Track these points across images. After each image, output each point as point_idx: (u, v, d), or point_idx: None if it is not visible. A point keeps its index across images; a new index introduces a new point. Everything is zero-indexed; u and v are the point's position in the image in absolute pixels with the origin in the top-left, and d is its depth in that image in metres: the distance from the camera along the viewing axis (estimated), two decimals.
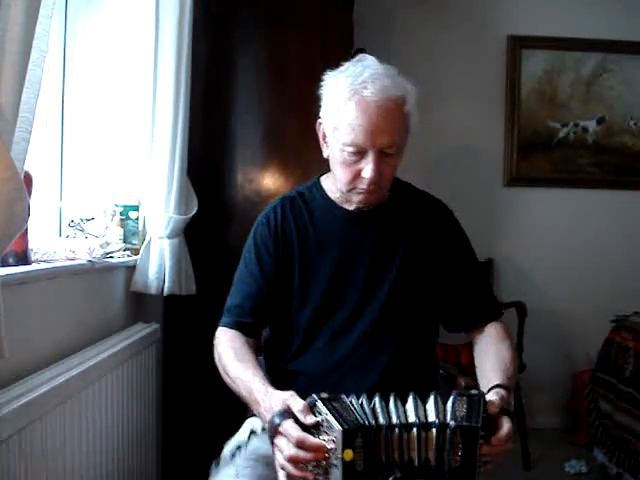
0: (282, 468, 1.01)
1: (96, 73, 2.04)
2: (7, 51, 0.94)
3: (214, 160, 2.40)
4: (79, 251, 1.62)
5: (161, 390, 2.25)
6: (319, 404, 0.98)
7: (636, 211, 3.39)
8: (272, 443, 1.03)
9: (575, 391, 3.20)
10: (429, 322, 1.40)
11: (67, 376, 1.34)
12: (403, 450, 1.00)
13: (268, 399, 1.09)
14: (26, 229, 1.34)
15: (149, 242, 2.01)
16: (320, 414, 0.98)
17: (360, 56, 1.29)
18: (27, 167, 1.15)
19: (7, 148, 0.96)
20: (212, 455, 1.33)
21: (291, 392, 1.06)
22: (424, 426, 1.00)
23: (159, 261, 2.00)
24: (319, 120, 1.33)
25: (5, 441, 1.07)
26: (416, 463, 1.00)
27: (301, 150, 2.30)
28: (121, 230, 1.96)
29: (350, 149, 1.23)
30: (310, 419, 0.99)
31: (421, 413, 1.02)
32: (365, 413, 1.00)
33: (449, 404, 1.02)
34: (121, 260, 1.89)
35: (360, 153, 1.23)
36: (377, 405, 1.03)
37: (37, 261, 1.49)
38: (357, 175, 1.25)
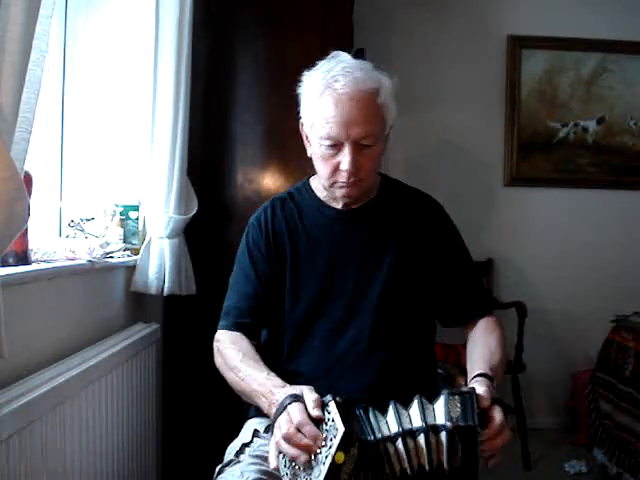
0: (276, 446, 1.01)
1: (96, 73, 2.03)
2: (7, 51, 0.94)
3: (214, 160, 2.40)
4: (79, 251, 1.62)
5: (161, 390, 2.25)
6: (331, 404, 0.98)
7: (636, 211, 3.39)
8: (275, 420, 1.03)
9: (575, 391, 3.20)
10: (424, 319, 1.40)
11: (67, 376, 1.34)
12: (392, 462, 0.98)
13: (285, 390, 1.09)
14: (26, 229, 1.34)
15: (149, 242, 2.01)
16: (329, 413, 0.97)
17: (334, 53, 1.30)
18: (27, 167, 1.14)
19: (7, 148, 0.96)
20: (212, 455, 1.33)
21: (310, 387, 1.06)
22: (408, 434, 0.99)
23: (159, 261, 2.00)
24: (300, 119, 1.34)
25: (5, 441, 1.07)
26: (409, 472, 0.98)
27: (301, 150, 2.27)
28: (121, 230, 1.96)
29: (327, 142, 1.25)
30: (317, 412, 0.99)
31: (405, 421, 1.00)
32: (372, 429, 0.99)
33: (440, 405, 1.01)
34: (121, 260, 1.89)
35: (337, 146, 1.25)
36: (371, 415, 1.02)
37: (37, 261, 1.49)
38: (336, 168, 1.27)
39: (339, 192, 1.31)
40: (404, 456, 0.98)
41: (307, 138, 1.35)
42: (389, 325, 1.33)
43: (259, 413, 1.31)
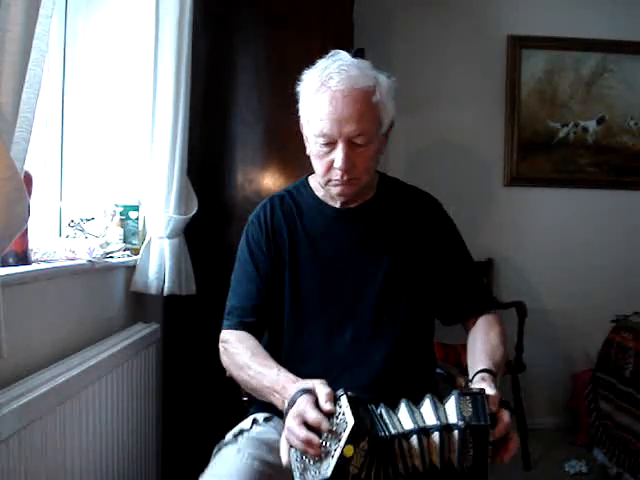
0: (286, 440, 1.01)
1: (96, 73, 2.04)
2: (7, 51, 0.94)
3: (214, 160, 2.40)
4: (79, 251, 1.62)
5: (161, 390, 2.25)
6: (343, 398, 0.97)
7: (636, 211, 3.39)
8: (286, 414, 1.03)
9: (575, 391, 3.20)
10: (423, 317, 1.40)
11: (67, 376, 1.34)
12: (405, 458, 0.99)
13: (297, 385, 1.08)
14: (26, 229, 1.34)
15: (149, 242, 2.01)
16: (340, 407, 0.97)
17: (333, 52, 1.30)
18: (27, 167, 1.14)
19: (7, 148, 0.96)
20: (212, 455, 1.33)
21: (322, 380, 1.05)
22: (423, 431, 0.99)
23: (159, 261, 2.00)
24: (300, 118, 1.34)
25: (5, 441, 1.07)
26: (420, 469, 0.98)
27: (301, 150, 2.28)
28: (121, 230, 1.96)
29: (321, 140, 1.26)
30: (328, 405, 0.98)
31: (418, 418, 1.01)
32: (385, 425, 0.99)
33: (452, 404, 1.01)
34: (121, 260, 1.89)
35: (331, 144, 1.25)
36: (384, 411, 1.02)
37: (37, 261, 1.49)
38: (330, 166, 1.27)
39: (334, 190, 1.31)
40: (417, 452, 0.98)
41: (306, 136, 1.35)
42: (387, 324, 1.32)
43: (260, 412, 1.32)
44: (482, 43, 3.32)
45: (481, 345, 1.27)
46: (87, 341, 1.63)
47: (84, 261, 1.61)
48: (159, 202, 1.99)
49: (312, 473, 0.95)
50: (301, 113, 1.32)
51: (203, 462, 1.29)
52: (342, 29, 2.37)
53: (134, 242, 2.02)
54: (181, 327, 2.34)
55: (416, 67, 3.23)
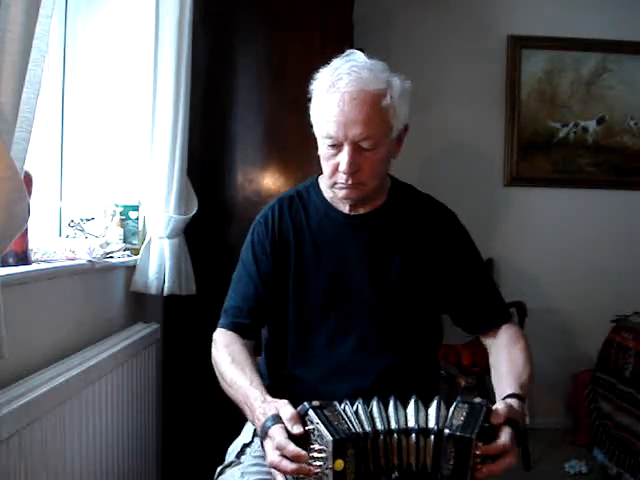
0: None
1: (96, 73, 2.03)
2: (7, 51, 0.94)
3: (214, 160, 2.40)
4: (79, 251, 1.62)
5: (161, 390, 2.25)
6: (311, 412, 0.97)
7: (636, 211, 3.39)
8: (262, 446, 1.03)
9: (575, 391, 3.20)
10: (430, 326, 1.38)
11: (67, 376, 1.34)
12: (402, 454, 0.99)
13: (264, 406, 1.07)
14: (26, 229, 1.34)
15: (149, 242, 2.01)
16: (312, 423, 0.96)
17: (349, 51, 1.27)
18: (27, 167, 1.14)
19: (7, 148, 0.96)
20: (212, 455, 1.33)
21: (285, 401, 1.04)
22: (423, 432, 0.99)
23: (159, 261, 2.00)
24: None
25: (5, 441, 1.07)
26: (414, 468, 0.99)
27: (301, 150, 2.30)
28: (121, 230, 1.96)
29: (328, 141, 1.23)
30: (297, 429, 0.97)
31: (422, 418, 1.01)
32: (360, 420, 0.99)
33: (450, 410, 1.01)
34: (121, 260, 1.89)
35: (337, 146, 1.22)
36: (375, 409, 1.02)
37: (37, 261, 1.49)
38: (336, 169, 1.24)
39: (339, 193, 1.28)
40: (413, 450, 0.98)
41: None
42: (392, 333, 1.31)
43: None
44: (482, 43, 3.33)
45: (507, 366, 1.23)
46: (87, 341, 1.63)
47: (84, 261, 1.61)
48: (159, 202, 1.99)
49: None
50: (311, 112, 1.28)
51: (203, 462, 1.28)
52: (342, 29, 2.37)
53: (134, 242, 2.02)
54: (181, 327, 2.34)
55: (416, 67, 3.23)
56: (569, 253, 3.35)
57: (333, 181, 1.27)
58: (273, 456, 0.97)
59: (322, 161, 1.28)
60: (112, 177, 2.06)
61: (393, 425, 1.00)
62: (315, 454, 0.94)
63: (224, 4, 2.39)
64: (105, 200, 1.98)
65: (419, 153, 3.22)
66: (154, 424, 2.03)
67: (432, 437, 0.98)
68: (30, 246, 1.44)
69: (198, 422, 2.32)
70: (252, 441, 1.27)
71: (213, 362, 1.29)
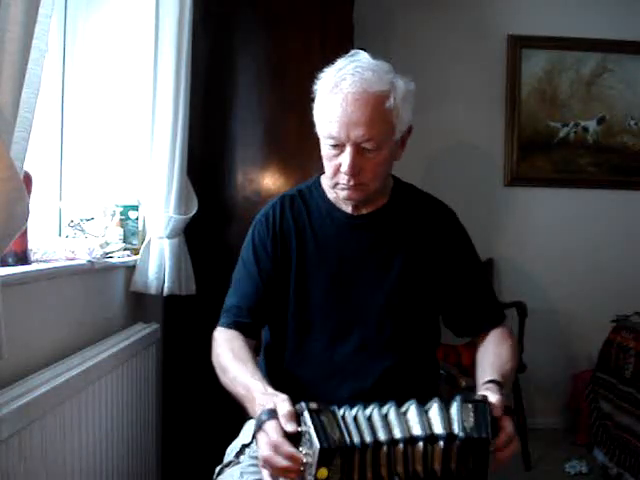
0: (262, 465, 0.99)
1: (96, 73, 2.03)
2: (7, 51, 0.94)
3: (214, 160, 2.40)
4: (79, 251, 1.62)
5: (161, 390, 2.25)
6: (305, 414, 0.94)
7: (636, 211, 3.39)
8: (254, 438, 1.01)
9: (575, 391, 3.20)
10: (430, 326, 1.39)
11: (67, 376, 1.34)
12: (407, 462, 0.96)
13: (263, 397, 1.06)
14: (26, 229, 1.34)
15: (149, 242, 2.01)
16: (305, 425, 0.94)
17: (354, 52, 1.27)
18: (27, 167, 1.14)
19: (7, 148, 0.96)
20: (212, 455, 1.33)
21: (285, 396, 1.03)
22: (430, 438, 0.97)
23: (159, 261, 2.00)
24: None
25: (5, 441, 1.07)
26: (422, 475, 0.97)
27: (301, 150, 2.30)
28: (121, 230, 1.96)
29: (329, 142, 1.23)
30: (291, 427, 0.95)
31: (425, 423, 0.98)
32: (358, 428, 0.96)
33: (454, 411, 0.99)
34: (121, 260, 1.89)
35: (339, 147, 1.22)
36: (375, 417, 0.99)
37: (37, 261, 1.49)
38: (338, 169, 1.24)
39: (341, 193, 1.28)
40: (420, 458, 0.96)
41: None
42: (393, 333, 1.31)
43: None
44: (482, 43, 3.33)
45: (491, 358, 1.25)
46: (87, 341, 1.62)
47: (84, 261, 1.61)
48: (159, 202, 1.99)
49: None
50: (314, 112, 1.28)
51: (203, 462, 1.28)
52: (342, 29, 2.37)
53: (134, 242, 2.02)
54: (181, 327, 2.34)
55: (416, 67, 3.20)
56: (569, 253, 3.35)
57: (335, 182, 1.27)
58: (266, 451, 0.96)
59: (324, 161, 1.28)
60: (112, 177, 2.06)
61: (398, 435, 0.96)
62: (302, 457, 0.93)
63: (224, 4, 2.39)
64: (105, 200, 1.98)
65: (419, 153, 3.22)
66: (154, 424, 2.03)
67: (441, 442, 0.96)
68: (30, 246, 1.44)
69: (198, 422, 2.32)
70: (251, 441, 1.27)
71: (214, 358, 1.28)
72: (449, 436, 0.96)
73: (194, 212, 2.11)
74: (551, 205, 3.38)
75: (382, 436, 0.96)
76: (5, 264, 1.33)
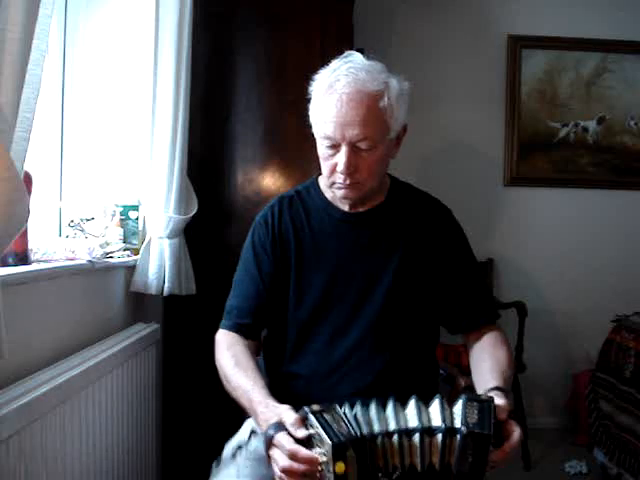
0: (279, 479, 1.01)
1: (96, 73, 2.04)
2: (7, 51, 0.94)
3: (214, 160, 2.40)
4: (79, 251, 1.62)
5: (161, 390, 2.25)
6: (310, 417, 0.98)
7: (636, 211, 3.39)
8: (267, 455, 1.03)
9: (575, 391, 3.20)
10: (428, 324, 1.39)
11: (67, 376, 1.34)
12: (404, 456, 0.99)
13: (266, 412, 1.09)
14: (26, 229, 1.34)
15: (149, 242, 2.01)
16: (312, 427, 0.97)
17: (347, 53, 1.28)
18: (27, 167, 1.14)
19: (7, 148, 0.96)
20: (212, 455, 1.33)
21: (287, 406, 1.05)
22: (427, 431, 0.99)
23: (159, 261, 2.00)
24: None
25: (5, 441, 1.07)
26: (419, 468, 0.99)
27: (301, 150, 2.30)
28: (121, 230, 1.96)
29: (326, 142, 1.24)
30: (301, 433, 0.98)
31: (424, 418, 1.01)
32: (358, 423, 0.99)
33: (459, 408, 1.01)
34: (121, 260, 1.89)
35: (335, 147, 1.24)
36: (373, 412, 1.02)
37: (37, 261, 1.49)
38: (334, 169, 1.26)
39: (338, 193, 1.30)
40: (417, 451, 0.98)
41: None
42: (391, 330, 1.32)
43: None
44: (482, 43, 3.32)
45: (490, 362, 1.25)
46: (87, 341, 1.63)
47: (84, 261, 1.61)
48: (159, 202, 1.99)
49: None
50: (310, 113, 1.30)
51: (203, 462, 1.28)
52: (342, 29, 2.37)
53: (134, 242, 2.02)
54: (181, 327, 2.34)
55: (416, 67, 3.23)
56: (569, 253, 3.35)
57: (331, 181, 1.29)
58: (284, 461, 0.98)
59: (321, 161, 1.30)
60: (112, 177, 2.06)
61: (393, 426, 1.00)
62: (318, 458, 0.95)
63: (224, 4, 2.39)
64: (105, 200, 1.98)
65: (419, 153, 3.23)
66: (154, 424, 2.03)
67: (439, 436, 0.98)
68: (30, 246, 1.44)
69: (198, 422, 2.32)
70: (249, 440, 1.27)
71: (217, 365, 1.30)
72: (448, 429, 0.98)
73: (194, 212, 2.11)
74: (551, 205, 3.38)
75: (393, 425, 0.99)
76: (5, 264, 1.33)
